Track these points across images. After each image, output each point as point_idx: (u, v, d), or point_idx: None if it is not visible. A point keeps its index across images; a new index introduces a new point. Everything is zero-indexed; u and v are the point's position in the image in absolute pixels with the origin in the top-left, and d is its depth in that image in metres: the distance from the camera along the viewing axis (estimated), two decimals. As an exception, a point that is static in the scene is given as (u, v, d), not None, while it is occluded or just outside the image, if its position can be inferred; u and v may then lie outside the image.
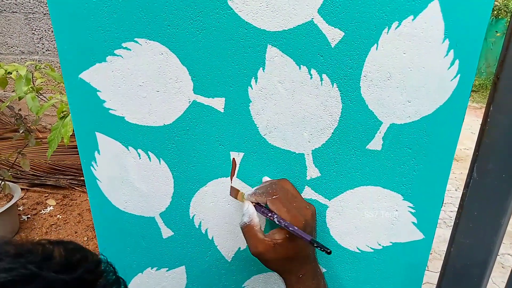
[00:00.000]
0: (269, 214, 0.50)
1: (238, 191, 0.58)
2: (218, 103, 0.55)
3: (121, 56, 0.53)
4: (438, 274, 0.71)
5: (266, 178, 0.58)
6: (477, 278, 0.66)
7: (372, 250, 0.62)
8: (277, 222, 0.49)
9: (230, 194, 0.60)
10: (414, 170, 0.56)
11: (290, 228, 0.47)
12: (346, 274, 0.64)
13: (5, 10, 2.89)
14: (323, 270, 0.64)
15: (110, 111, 0.57)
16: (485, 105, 0.58)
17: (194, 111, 0.56)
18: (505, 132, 0.56)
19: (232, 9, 0.49)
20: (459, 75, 0.50)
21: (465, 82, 0.50)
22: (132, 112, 0.57)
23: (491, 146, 0.58)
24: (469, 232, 0.64)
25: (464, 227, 0.64)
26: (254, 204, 0.54)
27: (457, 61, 0.49)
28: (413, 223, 0.59)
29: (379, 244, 0.62)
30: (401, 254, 0.62)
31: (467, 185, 0.62)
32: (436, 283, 0.73)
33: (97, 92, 0.56)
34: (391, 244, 0.61)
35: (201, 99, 0.55)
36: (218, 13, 0.50)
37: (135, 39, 0.52)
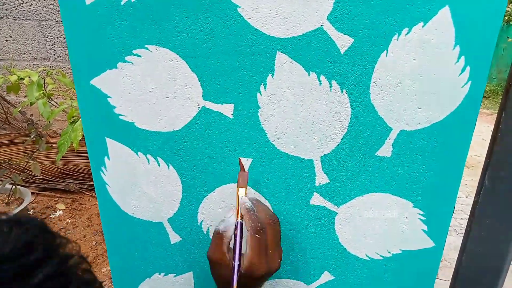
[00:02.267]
0: (238, 241, 0.50)
1: (245, 187, 0.54)
2: (227, 109, 0.55)
3: (131, 62, 0.54)
4: (448, 282, 0.70)
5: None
6: (489, 286, 0.65)
7: (381, 258, 0.61)
8: (235, 255, 0.50)
9: (238, 181, 0.55)
10: (425, 177, 0.55)
11: (234, 270, 0.48)
12: (355, 282, 0.64)
13: (19, 17, 2.95)
14: (332, 277, 0.64)
15: (120, 117, 0.57)
16: (496, 112, 0.58)
17: (203, 117, 0.56)
18: (518, 139, 0.55)
19: (242, 16, 0.50)
20: (470, 82, 0.49)
21: (476, 88, 0.50)
22: (142, 118, 0.57)
23: (503, 154, 0.57)
24: (481, 241, 0.63)
25: (475, 236, 0.63)
26: (239, 218, 0.52)
27: (468, 68, 0.49)
28: (424, 230, 0.59)
29: (389, 252, 0.61)
30: (411, 262, 0.61)
31: (478, 193, 0.61)
32: (447, 292, 0.72)
33: (108, 98, 0.56)
34: (401, 252, 0.61)
35: (210, 105, 0.55)
36: (228, 20, 0.50)
37: (146, 46, 0.53)
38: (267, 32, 0.50)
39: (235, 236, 0.51)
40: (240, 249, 0.50)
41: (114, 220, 0.65)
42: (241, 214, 0.52)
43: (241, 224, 0.52)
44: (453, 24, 0.47)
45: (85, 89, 0.56)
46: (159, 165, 0.60)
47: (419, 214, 0.58)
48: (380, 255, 0.61)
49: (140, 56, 0.53)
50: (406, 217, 0.58)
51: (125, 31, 0.52)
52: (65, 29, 0.53)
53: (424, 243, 0.59)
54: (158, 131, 0.58)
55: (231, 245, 0.52)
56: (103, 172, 0.62)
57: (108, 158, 0.60)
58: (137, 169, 0.60)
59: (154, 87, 0.55)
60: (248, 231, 0.50)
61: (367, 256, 0.62)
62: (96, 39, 0.53)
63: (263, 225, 0.50)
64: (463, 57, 0.48)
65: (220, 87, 0.54)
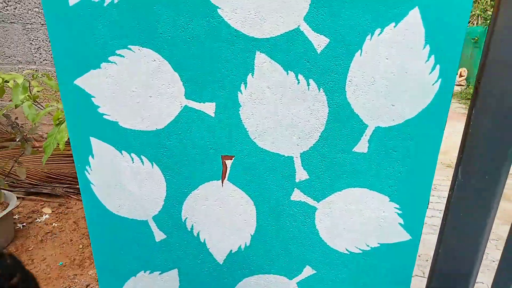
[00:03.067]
0: None
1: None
2: (209, 108, 0.56)
3: (115, 63, 0.55)
4: (414, 278, 0.72)
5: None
6: (464, 277, 0.67)
7: (360, 251, 0.63)
8: None
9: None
10: (400, 172, 0.57)
11: None
12: (336, 275, 0.66)
13: (3, 20, 2.91)
14: (313, 272, 0.66)
15: (104, 116, 0.58)
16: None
17: (186, 116, 0.57)
18: (487, 134, 0.58)
19: (222, 17, 0.51)
20: (440, 79, 0.52)
21: (446, 86, 0.52)
22: (126, 117, 0.58)
23: (474, 149, 0.59)
24: (455, 233, 0.65)
25: (450, 229, 0.65)
26: None
27: (438, 66, 0.51)
28: (400, 224, 0.61)
29: (367, 245, 0.63)
30: (389, 255, 0.63)
31: (452, 187, 0.64)
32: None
33: (92, 98, 0.57)
34: (379, 245, 0.63)
35: (192, 104, 0.56)
36: (209, 21, 0.52)
37: (129, 46, 0.54)
38: (247, 33, 0.52)
39: None
40: None
41: (99, 219, 0.66)
42: None
43: None
44: (422, 24, 0.49)
45: (69, 89, 0.57)
46: (143, 164, 0.61)
47: (395, 208, 0.60)
48: (359, 248, 0.63)
49: (123, 56, 0.54)
50: (383, 211, 0.60)
51: (108, 31, 0.53)
52: (48, 30, 0.54)
53: (400, 236, 0.62)
54: (142, 130, 0.59)
55: None
56: (87, 171, 0.63)
57: (93, 157, 0.61)
58: (121, 167, 0.61)
59: (137, 86, 0.56)
60: None
61: (346, 250, 0.64)
62: (80, 39, 0.54)
63: None
64: (433, 56, 0.51)
65: (202, 86, 0.55)
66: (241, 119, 0.57)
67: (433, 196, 3.51)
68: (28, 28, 2.95)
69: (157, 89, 0.56)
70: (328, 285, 0.66)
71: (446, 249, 0.67)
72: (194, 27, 0.52)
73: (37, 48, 2.99)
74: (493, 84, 0.55)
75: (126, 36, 0.53)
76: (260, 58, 0.53)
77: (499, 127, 0.56)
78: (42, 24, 2.91)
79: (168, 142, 0.59)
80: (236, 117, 0.57)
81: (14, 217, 2.33)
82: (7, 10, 2.90)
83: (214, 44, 0.53)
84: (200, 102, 0.56)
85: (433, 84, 0.52)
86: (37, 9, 2.88)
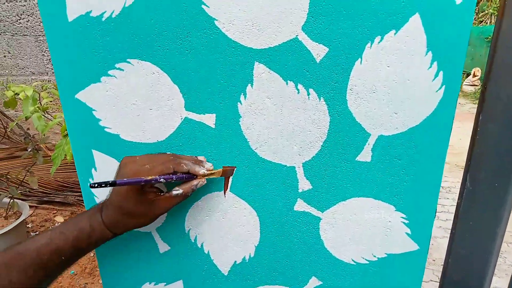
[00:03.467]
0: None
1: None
2: (209, 119, 0.56)
3: (114, 76, 0.55)
4: (427, 283, 0.70)
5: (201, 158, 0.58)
6: (476, 287, 0.65)
7: (367, 262, 0.62)
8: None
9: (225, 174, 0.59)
10: (405, 180, 0.56)
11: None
12: (343, 287, 0.64)
13: (16, 33, 2.98)
14: (319, 283, 0.64)
15: (105, 129, 0.59)
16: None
17: (186, 128, 0.57)
18: (495, 141, 0.56)
19: (219, 28, 0.51)
20: (444, 86, 0.50)
21: (450, 93, 0.51)
22: (127, 130, 0.58)
23: (482, 155, 0.58)
24: (466, 242, 0.63)
25: (460, 237, 0.64)
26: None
27: (441, 73, 0.50)
28: (407, 234, 0.59)
29: (374, 256, 0.62)
30: (396, 265, 0.62)
31: (461, 195, 0.62)
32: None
33: (93, 111, 0.58)
34: (386, 255, 0.61)
35: (192, 115, 0.56)
36: (206, 33, 0.52)
37: (128, 59, 0.54)
38: (245, 44, 0.51)
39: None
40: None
41: (103, 231, 0.66)
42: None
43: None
44: (424, 31, 0.48)
45: (71, 103, 0.58)
46: (145, 176, 0.61)
47: (402, 217, 0.58)
48: (365, 259, 0.62)
49: (122, 70, 0.55)
50: (389, 221, 0.59)
51: (107, 46, 0.54)
52: (49, 45, 0.54)
53: (408, 246, 0.60)
54: (143, 142, 0.59)
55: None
56: (91, 184, 0.63)
57: (95, 169, 0.62)
58: (124, 180, 0.61)
59: (137, 99, 0.56)
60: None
61: (353, 260, 0.62)
62: (80, 54, 0.55)
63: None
64: (435, 63, 0.50)
65: (202, 97, 0.55)
66: (241, 129, 0.56)
67: (447, 199, 3.45)
68: (40, 40, 3.01)
69: (157, 101, 0.56)
70: (334, 297, 0.65)
71: (456, 258, 0.65)
72: (192, 40, 0.52)
73: (49, 60, 3.05)
74: (500, 89, 0.54)
75: (125, 50, 0.53)
76: (259, 69, 0.52)
77: (507, 133, 0.54)
78: (53, 36, 2.96)
79: (170, 154, 0.59)
80: (236, 127, 0.56)
81: (27, 226, 2.37)
82: (20, 23, 2.97)
83: (212, 55, 0.52)
84: (200, 114, 0.56)
85: (436, 91, 0.51)
86: (48, 21, 2.93)
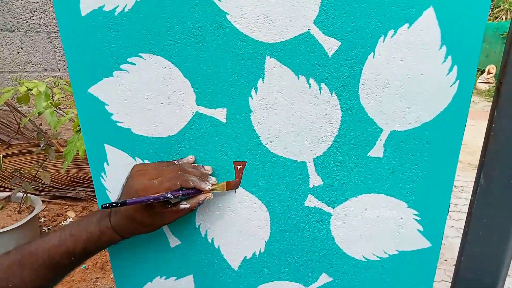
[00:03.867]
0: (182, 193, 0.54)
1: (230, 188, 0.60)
2: (220, 114, 0.56)
3: (126, 70, 0.56)
4: (439, 283, 0.69)
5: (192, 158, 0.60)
6: (489, 286, 0.64)
7: (378, 259, 0.62)
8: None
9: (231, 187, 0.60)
10: (418, 177, 0.55)
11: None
12: (354, 283, 0.64)
13: (29, 30, 3.02)
14: (330, 279, 0.64)
15: (117, 124, 0.59)
16: None
17: (197, 122, 0.57)
18: (511, 137, 0.55)
19: (230, 23, 0.51)
20: (458, 81, 0.50)
21: (464, 87, 0.50)
22: (138, 124, 0.59)
23: (497, 152, 0.57)
24: (479, 240, 0.62)
25: (473, 235, 0.63)
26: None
27: (455, 67, 0.49)
28: (419, 231, 0.59)
29: (386, 253, 0.61)
30: (408, 263, 0.61)
31: (474, 192, 0.61)
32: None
33: (105, 106, 0.58)
34: (397, 252, 0.61)
35: (203, 110, 0.56)
36: (218, 27, 0.52)
37: (140, 54, 0.54)
38: (256, 38, 0.51)
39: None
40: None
41: (114, 224, 0.66)
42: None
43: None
44: (438, 24, 0.47)
45: (83, 98, 0.58)
46: (156, 170, 0.61)
47: (414, 214, 0.58)
48: (377, 256, 0.61)
49: (134, 64, 0.55)
50: (401, 218, 0.58)
51: (119, 40, 0.54)
52: (62, 40, 0.55)
53: (420, 243, 0.59)
54: (155, 137, 0.59)
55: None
56: (103, 178, 0.63)
57: (108, 164, 0.62)
58: (135, 174, 0.62)
59: (149, 93, 0.56)
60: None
61: (364, 257, 0.62)
62: (92, 49, 0.55)
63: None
64: (450, 57, 0.49)
65: (213, 92, 0.55)
66: (252, 124, 0.56)
67: (460, 198, 3.40)
68: (52, 36, 3.05)
69: (168, 95, 0.56)
70: (344, 293, 0.64)
71: (469, 256, 0.64)
72: (203, 34, 0.52)
73: (61, 56, 3.09)
74: (516, 84, 0.53)
75: (137, 44, 0.54)
76: (270, 63, 0.52)
77: (523, 129, 0.53)
78: (66, 33, 3.00)
79: (181, 148, 0.59)
80: (247, 122, 0.56)
81: (40, 220, 2.40)
82: (33, 20, 3.01)
83: (223, 50, 0.52)
84: (211, 108, 0.56)
85: (450, 86, 0.50)
86: (60, 18, 2.96)
